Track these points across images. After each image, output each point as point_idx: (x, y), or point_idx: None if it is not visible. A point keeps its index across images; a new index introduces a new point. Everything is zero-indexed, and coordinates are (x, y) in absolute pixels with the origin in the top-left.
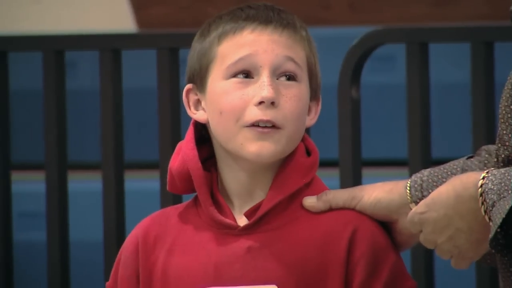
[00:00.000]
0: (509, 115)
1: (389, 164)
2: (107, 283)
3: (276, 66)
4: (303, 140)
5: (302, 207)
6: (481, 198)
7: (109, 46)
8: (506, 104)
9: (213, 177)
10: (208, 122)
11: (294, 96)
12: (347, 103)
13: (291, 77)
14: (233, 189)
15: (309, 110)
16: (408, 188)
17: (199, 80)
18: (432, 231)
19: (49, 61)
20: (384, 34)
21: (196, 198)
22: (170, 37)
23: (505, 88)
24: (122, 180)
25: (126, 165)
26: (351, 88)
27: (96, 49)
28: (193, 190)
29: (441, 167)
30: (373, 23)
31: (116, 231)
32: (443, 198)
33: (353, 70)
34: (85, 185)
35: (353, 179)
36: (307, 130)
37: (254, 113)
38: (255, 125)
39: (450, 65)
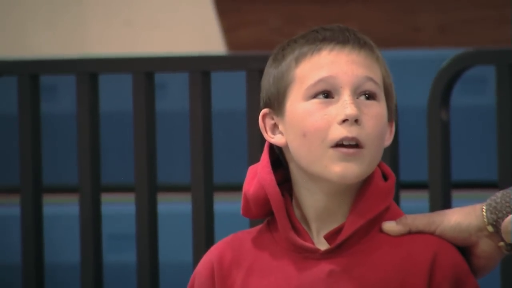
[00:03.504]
0: None
1: (479, 186)
2: None
3: (356, 86)
4: (378, 165)
5: (381, 231)
6: None
7: (199, 68)
8: None
9: (287, 201)
10: (287, 146)
11: (375, 114)
12: (437, 125)
13: (370, 96)
14: (312, 213)
15: (389, 132)
16: (484, 211)
17: (277, 103)
18: None
19: (139, 83)
20: (474, 56)
21: (269, 222)
22: (259, 59)
23: None
24: (212, 201)
25: (215, 187)
26: (440, 110)
27: (186, 70)
28: (266, 215)
29: None
30: (463, 45)
31: (205, 253)
32: None
33: (443, 92)
34: (175, 207)
35: (443, 201)
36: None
37: (339, 131)
38: (339, 145)
39: None
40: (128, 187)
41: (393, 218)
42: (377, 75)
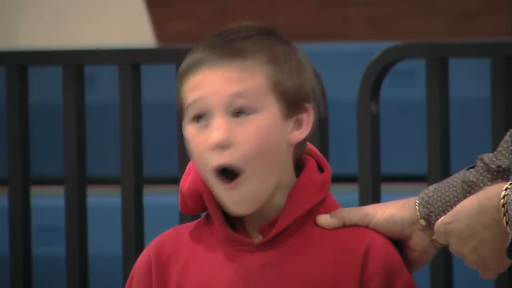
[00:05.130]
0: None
1: (408, 179)
2: None
3: (227, 106)
4: (314, 156)
5: (316, 224)
6: (503, 209)
7: (128, 60)
8: None
9: None
10: None
11: (252, 130)
12: (367, 118)
13: (245, 112)
14: None
15: (300, 123)
16: (417, 204)
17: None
18: (457, 242)
19: (69, 75)
20: (404, 49)
21: (208, 216)
22: (189, 51)
23: None
24: (141, 194)
25: (145, 180)
26: (370, 103)
27: (115, 63)
28: (204, 209)
29: (444, 181)
30: (392, 38)
31: (135, 246)
32: (467, 209)
33: (373, 85)
34: (104, 200)
35: (373, 195)
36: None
37: (212, 159)
38: (219, 173)
39: (469, 80)
40: (58, 180)
41: (329, 211)
42: (252, 85)
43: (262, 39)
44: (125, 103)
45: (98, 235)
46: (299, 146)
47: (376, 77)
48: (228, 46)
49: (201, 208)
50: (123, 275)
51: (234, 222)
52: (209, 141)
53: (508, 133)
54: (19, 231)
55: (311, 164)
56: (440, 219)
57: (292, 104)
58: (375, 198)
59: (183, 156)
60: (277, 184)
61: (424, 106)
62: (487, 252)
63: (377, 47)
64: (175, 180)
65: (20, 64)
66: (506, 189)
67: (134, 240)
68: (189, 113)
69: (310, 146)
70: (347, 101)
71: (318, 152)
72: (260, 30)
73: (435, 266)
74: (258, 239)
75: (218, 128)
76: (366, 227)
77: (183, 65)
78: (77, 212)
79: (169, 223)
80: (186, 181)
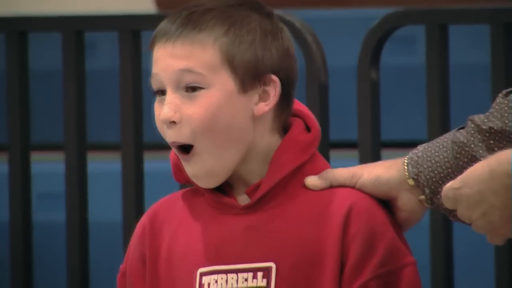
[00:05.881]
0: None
1: (408, 145)
2: (121, 266)
3: (176, 82)
4: (302, 116)
5: (303, 185)
6: None
7: (128, 27)
8: None
9: None
10: None
11: (197, 109)
12: (367, 84)
13: (195, 87)
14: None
15: (267, 95)
16: (405, 164)
17: None
18: (466, 207)
19: (68, 42)
20: (404, 15)
21: None
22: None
23: None
24: (142, 160)
25: (145, 146)
26: (370, 70)
27: (115, 29)
28: None
29: (434, 141)
30: (392, 4)
31: (135, 212)
32: (477, 174)
33: (373, 51)
34: (104, 166)
35: (372, 160)
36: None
37: (167, 134)
38: (176, 148)
39: (469, 46)
40: (58, 146)
41: (317, 172)
42: (202, 60)
43: (224, 11)
44: (125, 69)
45: (98, 201)
46: (277, 114)
47: (376, 43)
48: (186, 19)
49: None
50: (123, 241)
51: (224, 188)
52: (160, 117)
53: (500, 95)
54: (19, 197)
55: (296, 126)
56: (449, 184)
57: (252, 77)
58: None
59: None
60: (245, 155)
61: (424, 72)
62: (496, 218)
63: (377, 13)
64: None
65: (20, 30)
66: None
67: (134, 206)
68: (152, 86)
69: (300, 106)
70: (347, 68)
71: (308, 112)
72: (227, 1)
73: (436, 265)
74: (246, 202)
75: (167, 103)
76: (353, 187)
77: (152, 37)
78: (77, 178)
79: (169, 189)
80: (172, 152)
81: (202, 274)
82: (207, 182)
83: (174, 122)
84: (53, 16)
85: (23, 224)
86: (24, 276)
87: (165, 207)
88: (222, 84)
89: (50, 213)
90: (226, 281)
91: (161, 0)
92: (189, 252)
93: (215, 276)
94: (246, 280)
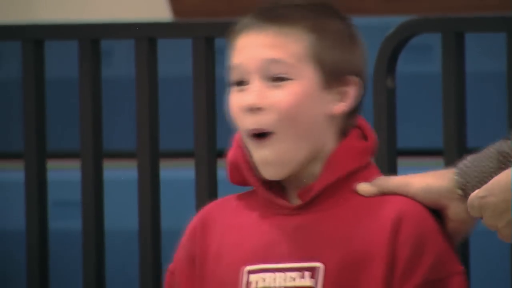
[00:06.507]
0: None
1: (424, 153)
2: (170, 265)
3: (264, 71)
4: (360, 126)
5: (355, 191)
6: None
7: (145, 35)
8: None
9: None
10: None
11: (285, 96)
12: (383, 92)
13: (282, 78)
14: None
15: (345, 95)
16: (454, 174)
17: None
18: (491, 216)
19: (85, 50)
20: (420, 23)
21: None
22: (206, 26)
23: None
24: (158, 169)
25: (161, 154)
26: (386, 78)
27: (132, 37)
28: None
29: (482, 151)
30: (408, 12)
31: (151, 220)
32: (502, 183)
33: (389, 59)
34: (120, 174)
35: (388, 169)
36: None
37: (247, 121)
38: (251, 134)
39: (484, 54)
40: (74, 154)
41: (370, 179)
42: (291, 52)
43: (310, 9)
44: (141, 78)
45: (114, 210)
46: (346, 118)
47: (392, 51)
48: (272, 12)
49: (246, 180)
50: (140, 249)
51: (275, 188)
52: (243, 103)
53: None
54: (35, 205)
55: (354, 133)
56: (474, 193)
57: (335, 75)
58: (391, 172)
59: (199, 130)
60: (314, 153)
61: (440, 80)
62: None
63: (393, 21)
64: (191, 155)
65: (36, 38)
66: None
67: (150, 215)
68: (231, 77)
69: (359, 117)
70: None
71: (366, 123)
72: (311, 1)
73: None
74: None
75: (253, 90)
76: (404, 195)
77: (233, 29)
78: (93, 186)
79: (184, 198)
80: (231, 152)
81: (249, 272)
82: (274, 170)
83: (258, 109)
84: (70, 24)
85: (39, 232)
86: (40, 284)
87: (217, 208)
88: (307, 78)
89: (66, 221)
90: (274, 279)
91: (178, 8)
92: (237, 250)
93: (263, 275)
94: (293, 279)
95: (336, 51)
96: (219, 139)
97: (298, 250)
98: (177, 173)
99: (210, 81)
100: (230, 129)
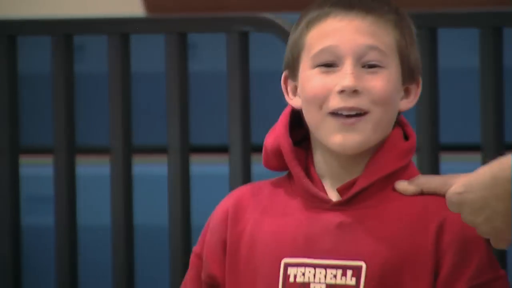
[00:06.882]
0: None
1: (463, 149)
2: (194, 248)
3: (359, 56)
4: (401, 125)
5: (395, 190)
6: None
7: (117, 31)
8: None
9: (309, 155)
10: (302, 109)
11: (380, 81)
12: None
13: (375, 65)
14: (327, 170)
15: (408, 92)
16: None
17: (292, 68)
18: (469, 212)
19: (57, 45)
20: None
21: (289, 174)
22: (179, 21)
23: None
24: (131, 164)
25: (134, 150)
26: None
27: (104, 33)
28: (287, 168)
29: None
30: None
31: (124, 216)
32: (480, 180)
33: None
34: (93, 169)
35: (430, 164)
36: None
37: (337, 101)
38: (338, 114)
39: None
40: (47, 149)
41: (410, 178)
42: (384, 41)
43: (392, 7)
44: (114, 73)
45: (87, 205)
46: (397, 116)
47: None
48: (361, 3)
49: (284, 167)
50: (112, 245)
51: (315, 180)
52: (340, 84)
53: None
54: (8, 201)
55: (397, 132)
56: (452, 188)
57: (408, 72)
58: (434, 168)
59: (172, 125)
60: (379, 143)
61: (478, 76)
62: (499, 223)
63: None
64: (164, 150)
65: (8, 33)
66: None
67: (123, 210)
68: (316, 59)
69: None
70: None
71: (406, 121)
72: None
73: None
74: (336, 199)
75: (351, 73)
76: (443, 196)
77: (312, 14)
78: (66, 182)
79: (157, 193)
80: (270, 138)
81: (287, 265)
82: (352, 144)
83: (355, 91)
84: (42, 19)
85: (12, 227)
86: (13, 280)
87: (250, 193)
88: (394, 69)
89: (38, 216)
90: (314, 275)
91: (150, 3)
92: (274, 241)
93: (302, 269)
94: (334, 276)
95: (412, 49)
96: (193, 135)
97: (341, 247)
98: (150, 169)
99: (183, 76)
100: (204, 124)
